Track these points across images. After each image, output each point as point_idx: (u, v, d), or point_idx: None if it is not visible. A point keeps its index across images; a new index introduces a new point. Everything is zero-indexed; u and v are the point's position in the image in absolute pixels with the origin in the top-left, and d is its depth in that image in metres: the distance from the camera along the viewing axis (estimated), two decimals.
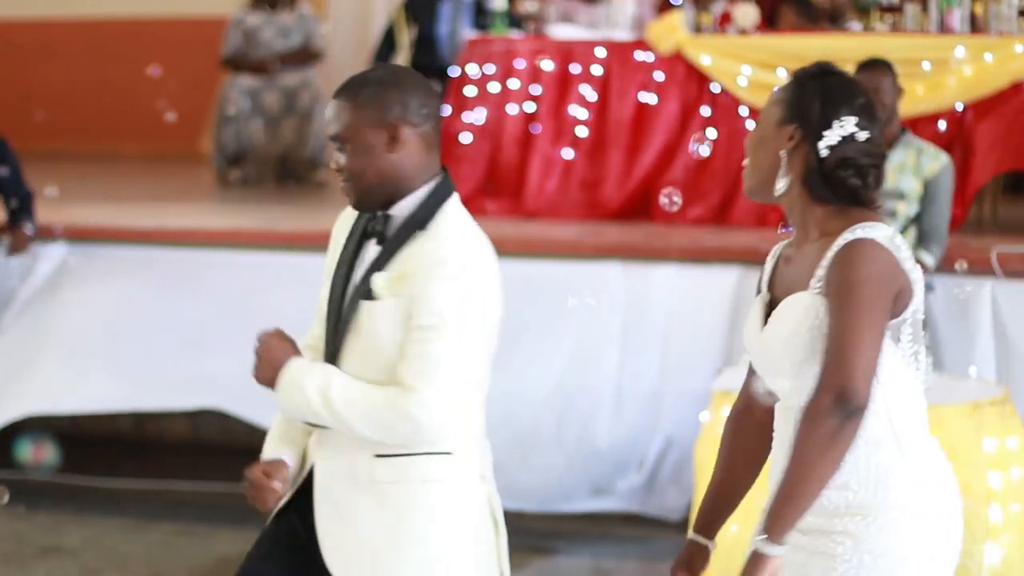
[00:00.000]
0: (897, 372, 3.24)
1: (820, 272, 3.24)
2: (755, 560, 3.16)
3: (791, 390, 3.29)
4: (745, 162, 3.37)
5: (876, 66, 6.69)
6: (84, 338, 7.74)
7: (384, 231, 3.50)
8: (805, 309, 3.24)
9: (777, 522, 3.14)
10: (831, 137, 3.27)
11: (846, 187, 3.27)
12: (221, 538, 7.01)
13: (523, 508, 7.15)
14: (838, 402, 3.09)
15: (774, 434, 3.34)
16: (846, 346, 3.12)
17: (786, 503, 3.13)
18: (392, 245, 3.48)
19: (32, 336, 7.80)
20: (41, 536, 7.13)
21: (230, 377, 7.36)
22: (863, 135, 3.27)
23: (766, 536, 3.14)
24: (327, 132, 3.54)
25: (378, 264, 3.48)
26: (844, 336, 3.13)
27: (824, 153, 3.27)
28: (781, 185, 3.31)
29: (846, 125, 3.27)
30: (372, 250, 3.52)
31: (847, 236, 3.21)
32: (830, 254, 3.22)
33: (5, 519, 7.36)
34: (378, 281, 3.44)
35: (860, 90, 3.32)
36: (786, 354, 3.27)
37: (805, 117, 3.29)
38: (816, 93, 3.30)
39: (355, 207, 3.54)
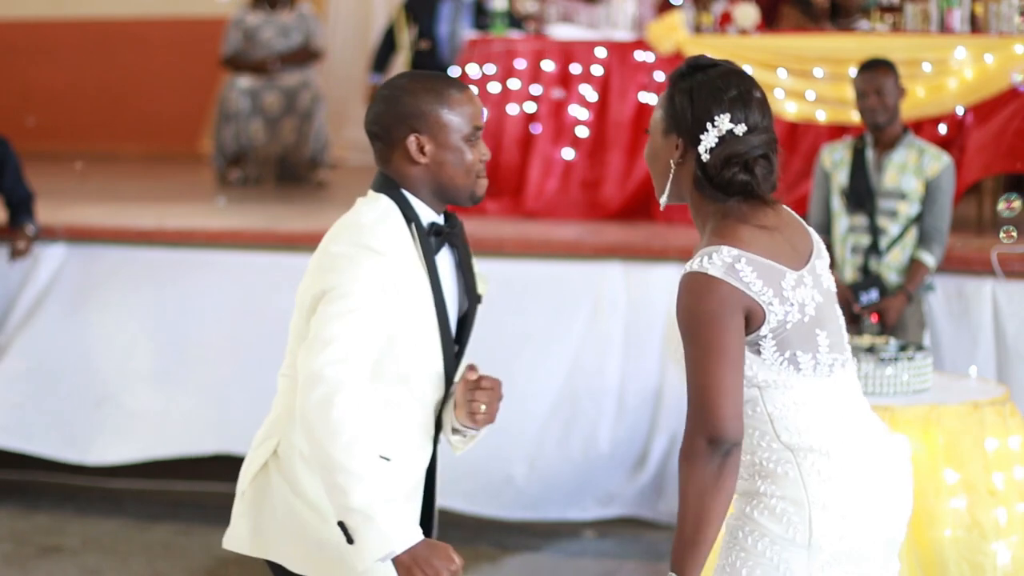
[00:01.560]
0: (771, 383, 3.25)
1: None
2: None
3: None
4: (662, 197, 3.36)
5: (878, 66, 6.71)
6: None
7: (453, 230, 3.56)
8: (674, 337, 3.32)
9: (686, 564, 3.20)
10: (708, 140, 3.25)
11: (736, 184, 3.26)
12: (220, 538, 7.01)
13: (525, 517, 7.16)
14: (712, 445, 3.16)
15: None
16: (706, 391, 3.16)
17: (691, 546, 3.18)
18: (466, 244, 3.59)
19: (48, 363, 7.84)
20: (41, 536, 7.13)
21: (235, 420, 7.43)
22: (740, 128, 3.24)
23: (676, 571, 3.20)
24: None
25: (468, 264, 3.58)
26: (701, 381, 3.17)
27: (705, 158, 3.26)
28: (664, 197, 3.33)
29: (720, 124, 3.25)
30: (446, 255, 3.55)
31: (685, 268, 3.24)
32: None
33: (5, 519, 7.36)
34: (480, 284, 3.59)
35: (730, 82, 3.28)
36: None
37: (680, 125, 3.29)
38: (685, 97, 3.28)
39: None
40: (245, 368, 7.60)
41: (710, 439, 3.15)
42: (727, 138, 3.24)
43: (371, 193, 3.54)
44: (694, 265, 3.21)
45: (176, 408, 7.78)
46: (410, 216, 3.49)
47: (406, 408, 3.49)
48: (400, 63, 10.43)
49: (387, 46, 10.41)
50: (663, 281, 7.31)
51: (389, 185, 3.52)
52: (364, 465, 3.27)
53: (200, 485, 7.59)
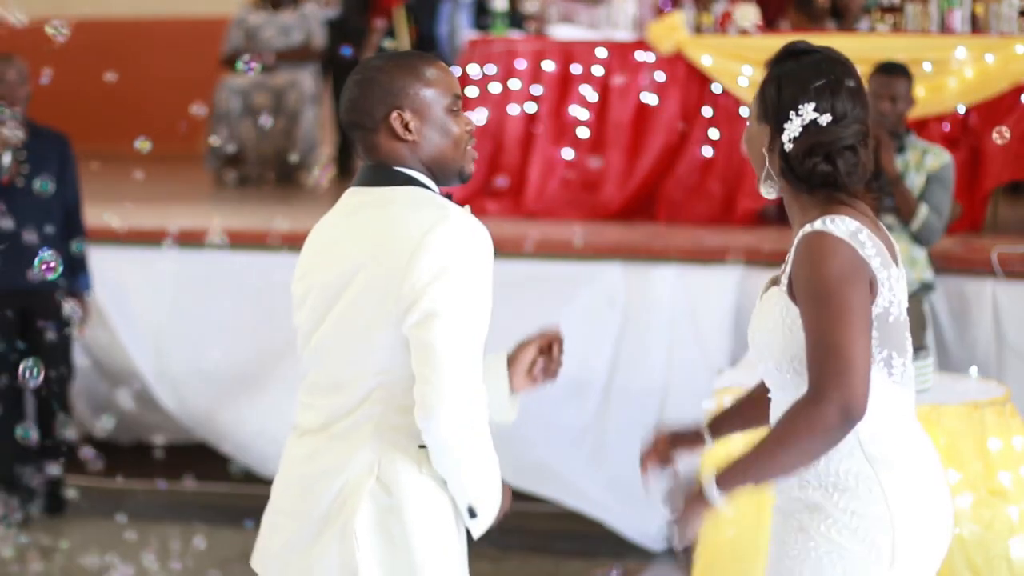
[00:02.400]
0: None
1: (786, 267, 3.20)
2: (696, 498, 3.20)
3: (771, 384, 3.29)
4: (762, 187, 3.32)
5: (896, 72, 6.71)
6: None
7: None
8: (771, 305, 3.23)
9: (734, 477, 3.15)
10: (792, 129, 3.20)
11: (817, 175, 3.20)
12: (221, 538, 7.02)
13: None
14: (843, 416, 3.07)
15: (771, 420, 3.31)
16: (841, 354, 3.07)
17: (750, 468, 3.14)
18: None
19: None
20: (41, 536, 7.13)
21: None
22: (825, 118, 3.19)
23: (717, 482, 3.16)
24: None
25: None
26: (835, 344, 3.07)
27: (788, 147, 3.21)
28: (765, 188, 3.28)
29: (804, 113, 3.20)
30: None
31: (806, 229, 3.16)
32: (793, 246, 3.19)
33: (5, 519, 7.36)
34: None
35: (820, 69, 3.22)
36: (758, 348, 3.27)
37: (769, 113, 3.24)
38: (774, 85, 3.24)
39: None
40: (246, 368, 7.60)
41: (845, 413, 3.07)
42: (811, 128, 3.18)
43: (380, 190, 3.39)
44: (816, 225, 3.14)
45: (176, 408, 7.79)
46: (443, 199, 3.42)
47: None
48: None
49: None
50: (663, 281, 7.31)
51: (398, 176, 3.39)
52: (493, 464, 3.33)
53: (200, 485, 7.59)
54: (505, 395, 3.46)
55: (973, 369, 6.05)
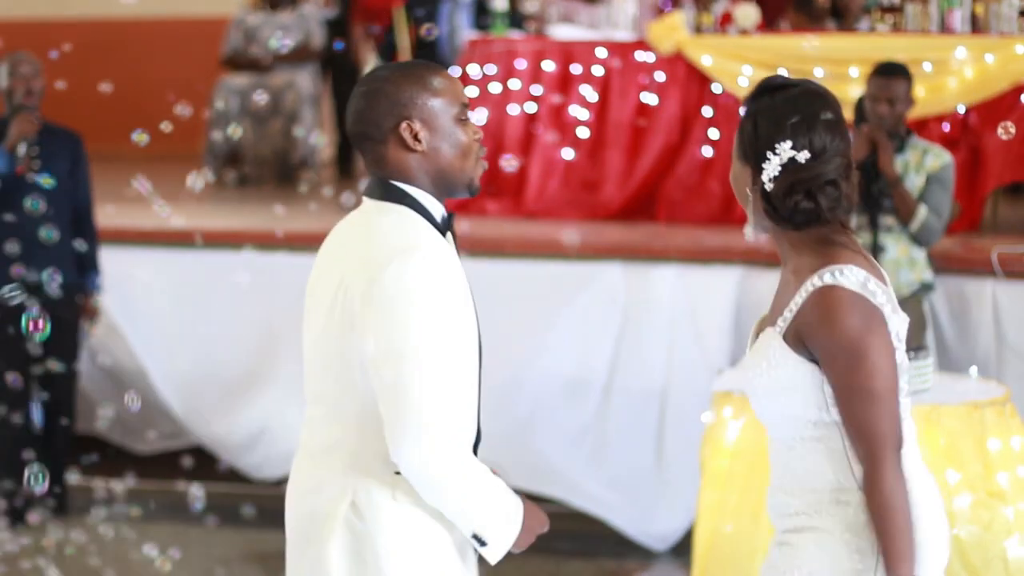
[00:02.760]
0: None
1: (788, 314, 3.17)
2: None
3: (767, 425, 3.28)
4: (750, 229, 3.29)
5: (895, 74, 6.69)
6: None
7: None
8: (764, 349, 3.20)
9: (903, 569, 3.15)
10: (770, 169, 3.15)
11: (800, 213, 3.16)
12: (221, 538, 7.01)
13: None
14: (898, 457, 3.12)
15: (770, 460, 3.31)
16: (884, 407, 3.11)
17: (897, 557, 3.14)
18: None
19: None
20: (42, 536, 7.13)
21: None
22: (803, 155, 3.13)
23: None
24: None
25: None
26: (869, 427, 3.10)
27: (769, 187, 3.15)
28: (748, 229, 3.24)
29: (781, 152, 3.14)
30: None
31: (815, 281, 3.12)
32: (799, 299, 3.15)
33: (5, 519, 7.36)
34: None
35: (796, 105, 3.16)
36: (752, 391, 3.25)
37: (748, 152, 3.19)
38: (750, 123, 3.19)
39: None
40: (246, 368, 7.60)
41: (898, 456, 3.11)
42: (789, 166, 3.13)
43: (374, 203, 3.37)
44: (826, 279, 3.11)
45: (178, 408, 7.78)
46: (431, 220, 3.35)
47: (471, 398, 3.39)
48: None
49: (389, 48, 10.42)
50: (663, 281, 7.31)
51: (394, 191, 3.35)
52: (488, 491, 3.30)
53: (204, 485, 7.59)
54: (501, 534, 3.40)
55: (973, 369, 6.05)
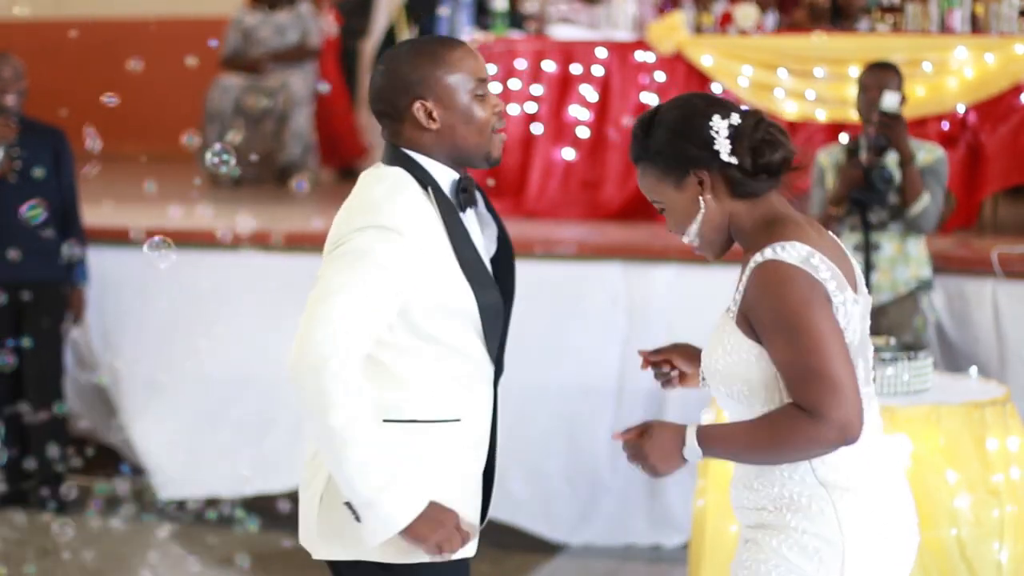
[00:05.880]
0: None
1: (737, 296, 3.16)
2: (674, 435, 3.15)
3: (725, 409, 3.27)
4: (689, 240, 3.29)
5: (886, 67, 6.71)
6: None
7: (474, 188, 3.48)
8: (719, 334, 3.21)
9: (716, 442, 3.13)
10: (722, 144, 3.17)
11: (775, 162, 3.18)
12: (221, 538, 7.01)
13: (520, 524, 7.14)
14: (841, 435, 3.06)
15: None
16: (830, 380, 3.04)
17: (734, 444, 3.12)
18: (484, 194, 3.53)
19: None
20: (41, 536, 7.13)
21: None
22: (735, 118, 3.17)
23: (699, 435, 3.13)
24: None
25: (498, 220, 3.52)
26: (821, 371, 3.04)
27: (732, 160, 3.17)
28: (693, 230, 3.25)
29: (717, 126, 3.17)
30: (472, 214, 3.47)
31: (757, 258, 3.12)
32: (744, 278, 3.15)
33: (5, 519, 7.36)
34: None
35: (688, 103, 3.22)
36: (711, 375, 3.25)
37: (689, 162, 3.19)
38: (671, 138, 3.20)
39: None
40: (247, 368, 7.59)
41: (843, 431, 3.05)
42: (734, 132, 3.16)
43: (380, 166, 3.45)
44: (767, 254, 3.10)
45: (179, 409, 7.78)
46: (426, 181, 3.39)
47: (457, 363, 3.40)
48: None
49: (388, 46, 10.43)
50: (663, 281, 7.31)
51: (398, 155, 3.41)
52: (366, 446, 3.24)
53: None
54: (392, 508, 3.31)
55: (973, 369, 6.05)
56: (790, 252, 3.10)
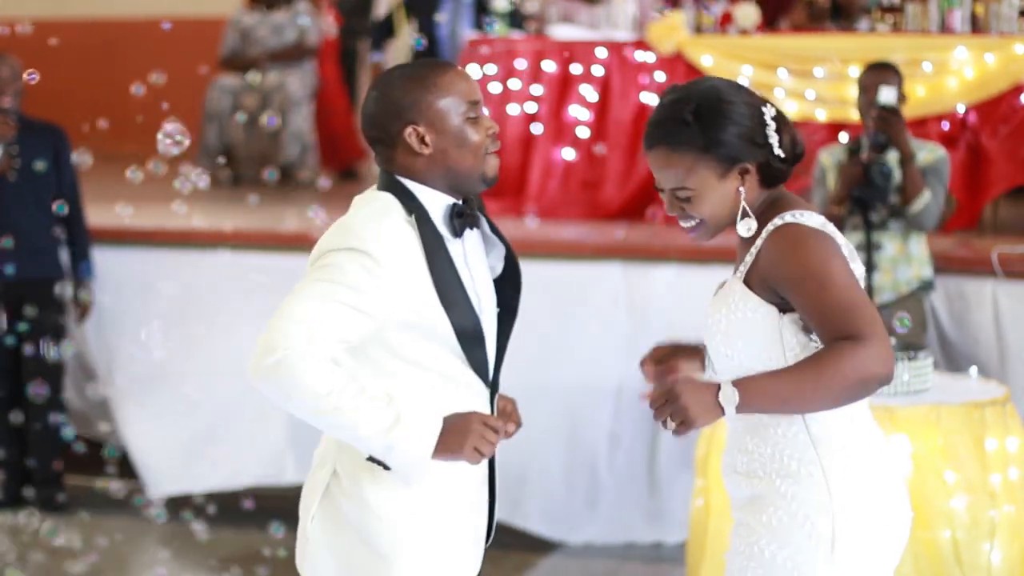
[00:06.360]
0: None
1: (748, 259, 3.20)
2: (708, 390, 3.11)
3: (722, 372, 3.27)
4: (692, 223, 3.27)
5: (885, 67, 6.72)
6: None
7: (475, 211, 3.46)
8: (725, 294, 3.24)
9: (755, 389, 3.09)
10: (773, 137, 3.26)
11: (801, 154, 3.30)
12: (221, 538, 7.01)
13: (519, 523, 7.14)
14: (885, 365, 3.07)
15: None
16: (866, 311, 3.08)
17: (775, 389, 3.09)
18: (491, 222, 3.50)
19: None
20: (41, 536, 7.13)
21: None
22: (771, 108, 3.28)
23: (738, 390, 3.10)
24: None
25: (502, 239, 3.49)
26: (855, 304, 3.08)
27: (781, 153, 3.26)
28: (750, 224, 3.24)
29: (767, 114, 3.27)
30: (472, 236, 3.45)
31: (776, 222, 3.17)
32: (760, 241, 3.18)
33: (5, 519, 7.36)
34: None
35: (731, 90, 3.26)
36: (711, 336, 3.26)
37: (747, 152, 3.23)
38: (734, 130, 3.22)
39: None
40: (242, 367, 7.58)
41: (886, 363, 3.07)
42: (778, 124, 3.28)
43: (373, 190, 3.45)
44: (786, 218, 3.16)
45: (179, 408, 7.78)
46: (411, 207, 3.37)
47: (446, 387, 3.38)
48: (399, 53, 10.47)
49: (385, 28, 10.48)
50: (663, 281, 7.31)
51: (390, 182, 3.41)
52: (356, 398, 3.21)
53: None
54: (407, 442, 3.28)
55: (973, 369, 6.05)
56: (808, 218, 3.17)
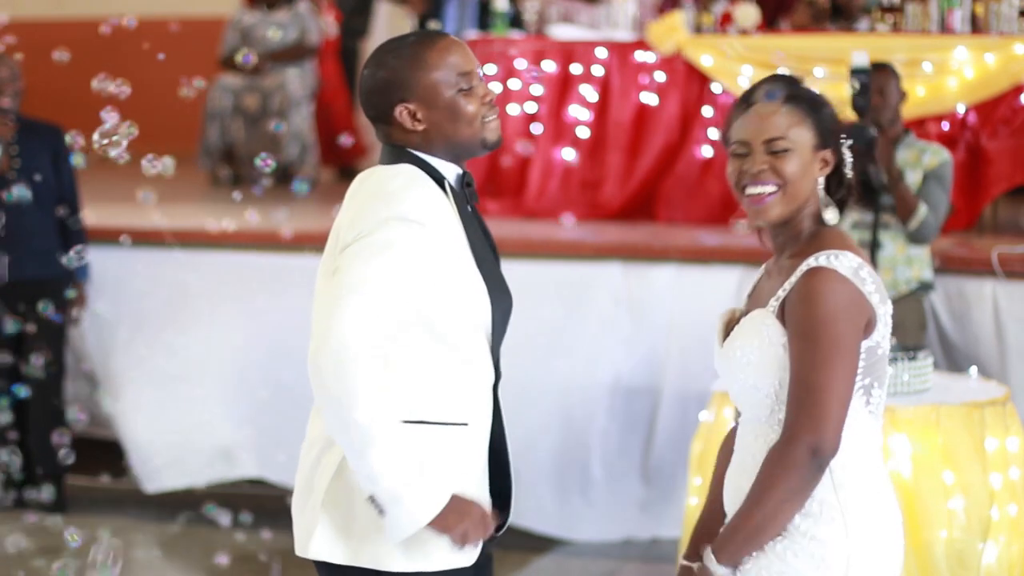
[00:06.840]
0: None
1: (781, 293, 3.18)
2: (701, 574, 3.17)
3: (746, 405, 3.26)
4: (770, 189, 3.23)
5: (881, 68, 6.73)
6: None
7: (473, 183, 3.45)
8: (757, 326, 3.20)
9: (732, 548, 3.15)
10: (847, 155, 3.28)
11: (853, 190, 3.28)
12: (221, 538, 7.01)
13: (518, 521, 7.13)
14: (812, 456, 3.08)
15: (735, 444, 3.31)
16: (821, 394, 3.07)
17: (746, 535, 3.14)
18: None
19: None
20: (41, 536, 7.13)
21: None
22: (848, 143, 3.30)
23: (716, 556, 3.15)
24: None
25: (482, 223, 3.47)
26: (818, 382, 3.07)
27: (850, 167, 3.27)
28: (831, 215, 3.25)
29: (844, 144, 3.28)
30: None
31: (810, 262, 3.14)
32: (793, 278, 3.17)
33: (5, 519, 7.36)
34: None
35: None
36: (739, 368, 3.23)
37: (831, 136, 3.26)
38: (829, 116, 3.28)
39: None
40: (248, 368, 7.60)
41: (815, 450, 3.07)
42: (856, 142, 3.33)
43: (385, 166, 3.40)
44: (820, 261, 3.13)
45: (179, 408, 7.78)
46: (436, 175, 3.35)
47: (462, 366, 3.36)
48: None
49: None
50: (663, 281, 7.30)
51: (403, 153, 3.38)
52: (392, 440, 3.19)
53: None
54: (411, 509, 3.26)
55: (973, 369, 6.05)
56: (843, 262, 3.14)
